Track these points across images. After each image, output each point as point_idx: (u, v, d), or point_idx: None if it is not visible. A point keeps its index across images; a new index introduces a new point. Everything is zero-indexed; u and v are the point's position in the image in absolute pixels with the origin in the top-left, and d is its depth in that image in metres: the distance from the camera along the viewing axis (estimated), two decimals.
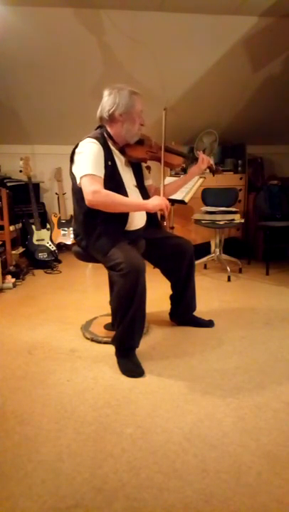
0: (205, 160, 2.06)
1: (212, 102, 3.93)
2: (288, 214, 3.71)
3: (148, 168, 3.98)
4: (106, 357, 1.80)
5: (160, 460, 1.15)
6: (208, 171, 2.15)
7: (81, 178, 1.70)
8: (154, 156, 1.92)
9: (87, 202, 1.68)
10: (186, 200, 3.01)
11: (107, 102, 1.78)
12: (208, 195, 3.65)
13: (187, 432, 1.27)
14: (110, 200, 1.68)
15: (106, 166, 1.75)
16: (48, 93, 3.65)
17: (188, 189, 3.08)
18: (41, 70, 3.38)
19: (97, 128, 1.88)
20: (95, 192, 1.65)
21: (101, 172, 1.73)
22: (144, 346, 1.89)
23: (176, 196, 3.07)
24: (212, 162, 2.09)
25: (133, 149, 1.86)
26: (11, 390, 1.54)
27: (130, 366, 1.68)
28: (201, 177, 3.21)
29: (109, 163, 1.77)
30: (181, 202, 3.05)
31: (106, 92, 1.80)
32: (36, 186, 4.28)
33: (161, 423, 1.32)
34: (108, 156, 1.77)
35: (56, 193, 4.41)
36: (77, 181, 1.74)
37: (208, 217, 3.39)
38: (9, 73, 3.41)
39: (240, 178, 4.11)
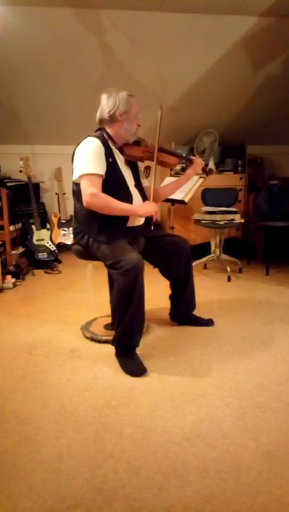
0: (199, 163, 2.14)
1: (212, 102, 3.92)
2: (288, 214, 3.71)
3: (148, 168, 3.99)
4: (106, 357, 1.80)
5: (160, 460, 1.15)
6: (201, 172, 2.25)
7: (80, 176, 1.76)
8: (150, 156, 2.00)
9: (84, 203, 1.76)
10: (186, 200, 3.01)
11: (107, 104, 1.84)
12: (208, 195, 3.65)
13: (187, 431, 1.27)
14: (106, 204, 1.75)
15: (107, 163, 1.81)
16: (48, 93, 3.65)
17: (188, 189, 3.08)
18: (41, 70, 3.38)
19: (97, 130, 1.94)
20: (93, 195, 1.73)
21: (102, 169, 1.78)
22: (144, 346, 1.89)
23: (176, 196, 3.07)
24: (204, 164, 2.21)
25: (131, 149, 1.95)
26: (11, 390, 1.54)
27: (132, 365, 1.69)
28: (201, 177, 3.21)
29: (110, 160, 1.83)
30: (181, 202, 3.05)
31: (104, 96, 1.87)
32: (36, 186, 4.28)
33: (161, 423, 1.32)
34: (109, 154, 1.83)
35: (56, 193, 4.41)
36: (74, 177, 1.81)
37: (208, 217, 3.39)
38: (9, 73, 3.41)
39: (240, 178, 4.11)
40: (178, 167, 3.97)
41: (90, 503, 1.00)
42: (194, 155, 4.10)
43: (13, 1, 2.74)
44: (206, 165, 2.31)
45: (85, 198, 1.74)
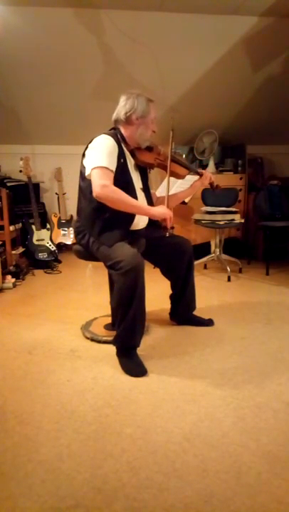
0: (207, 176, 2.16)
1: (212, 102, 3.92)
2: (288, 214, 3.71)
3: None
4: (106, 357, 1.80)
5: (160, 460, 1.15)
6: (209, 186, 2.25)
7: (92, 169, 1.72)
8: (161, 164, 1.99)
9: (94, 194, 1.69)
10: (186, 200, 3.02)
11: (125, 105, 1.84)
12: (208, 196, 3.65)
13: (187, 431, 1.27)
14: (117, 196, 1.70)
15: (118, 163, 1.79)
16: (48, 93, 3.65)
17: None
18: (41, 70, 3.38)
19: (111, 129, 1.92)
20: (104, 186, 1.68)
21: (113, 166, 1.76)
22: (144, 346, 1.89)
23: None
24: (213, 179, 2.22)
25: (143, 154, 1.93)
26: (11, 390, 1.54)
27: (132, 366, 1.69)
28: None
29: (122, 160, 1.81)
30: (182, 202, 3.05)
31: (124, 97, 1.86)
32: (36, 186, 4.28)
33: (161, 423, 1.32)
34: (121, 154, 1.81)
35: (56, 193, 4.41)
36: (87, 172, 1.75)
37: (208, 217, 3.39)
38: (9, 73, 3.41)
39: (240, 178, 4.11)
40: None
41: (90, 503, 1.00)
42: (195, 156, 4.12)
43: (13, 1, 2.74)
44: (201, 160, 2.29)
45: (96, 189, 1.68)
